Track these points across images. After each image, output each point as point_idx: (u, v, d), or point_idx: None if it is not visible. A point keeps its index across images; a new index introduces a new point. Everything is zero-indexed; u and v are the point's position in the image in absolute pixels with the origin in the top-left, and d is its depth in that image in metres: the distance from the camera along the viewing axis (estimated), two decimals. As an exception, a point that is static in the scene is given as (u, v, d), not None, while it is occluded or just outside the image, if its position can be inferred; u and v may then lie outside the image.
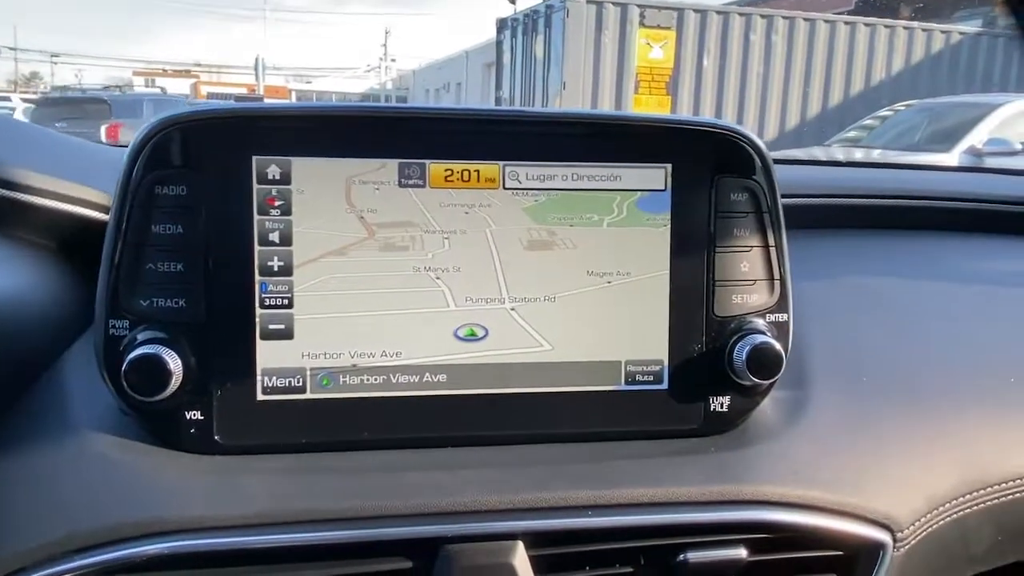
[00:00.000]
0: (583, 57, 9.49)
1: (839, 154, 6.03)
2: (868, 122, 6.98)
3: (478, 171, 0.59)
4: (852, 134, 6.87)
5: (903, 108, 6.89)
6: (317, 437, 0.59)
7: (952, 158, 5.40)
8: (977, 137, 5.71)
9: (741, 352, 0.60)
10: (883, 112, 7.05)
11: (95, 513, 0.52)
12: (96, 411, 0.59)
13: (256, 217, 0.57)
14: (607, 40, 9.53)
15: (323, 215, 0.58)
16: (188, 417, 0.57)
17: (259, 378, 0.58)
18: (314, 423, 0.58)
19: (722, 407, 0.63)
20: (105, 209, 0.74)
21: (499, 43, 11.50)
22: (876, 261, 0.88)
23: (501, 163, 0.59)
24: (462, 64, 20.82)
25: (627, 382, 0.62)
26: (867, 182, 1.02)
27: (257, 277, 0.57)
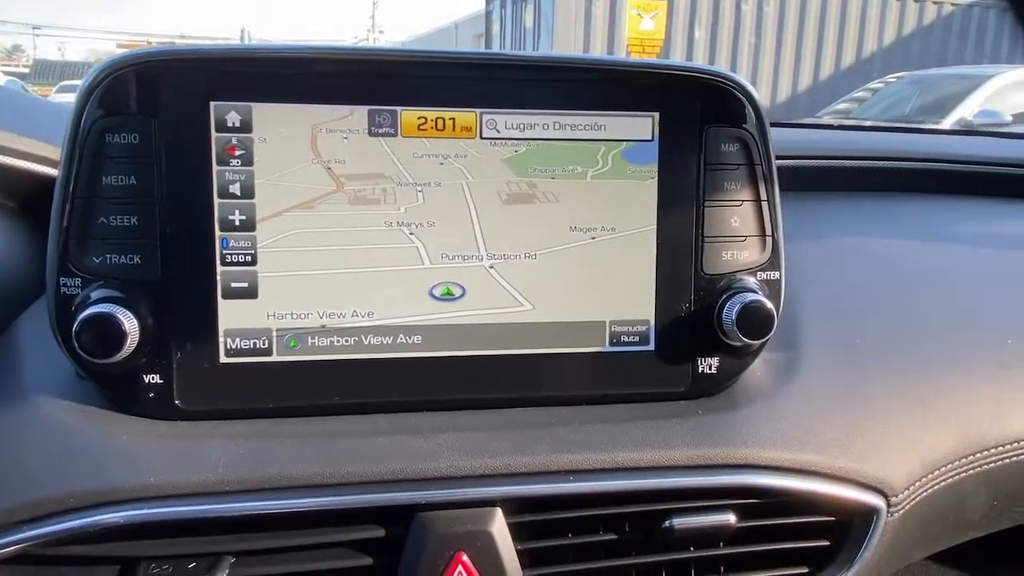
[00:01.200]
0: (573, 28, 9.37)
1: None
2: (859, 94, 6.92)
3: (453, 119, 0.56)
4: (843, 106, 6.82)
5: (894, 80, 6.84)
6: (284, 402, 0.56)
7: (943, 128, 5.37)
8: (968, 109, 5.67)
9: (731, 311, 0.57)
10: (874, 84, 6.99)
11: (48, 481, 0.49)
12: (52, 376, 0.56)
13: (215, 168, 0.53)
14: (597, 11, 9.41)
15: (287, 166, 0.54)
16: (146, 381, 0.54)
17: (221, 339, 0.54)
18: (280, 387, 0.55)
19: (710, 368, 0.60)
20: None
21: (488, 13, 11.35)
22: (869, 223, 0.85)
23: (478, 111, 0.56)
24: (451, 36, 20.56)
25: (612, 343, 0.59)
26: (859, 144, 0.99)
27: (217, 232, 0.54)
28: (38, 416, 0.53)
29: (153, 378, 0.54)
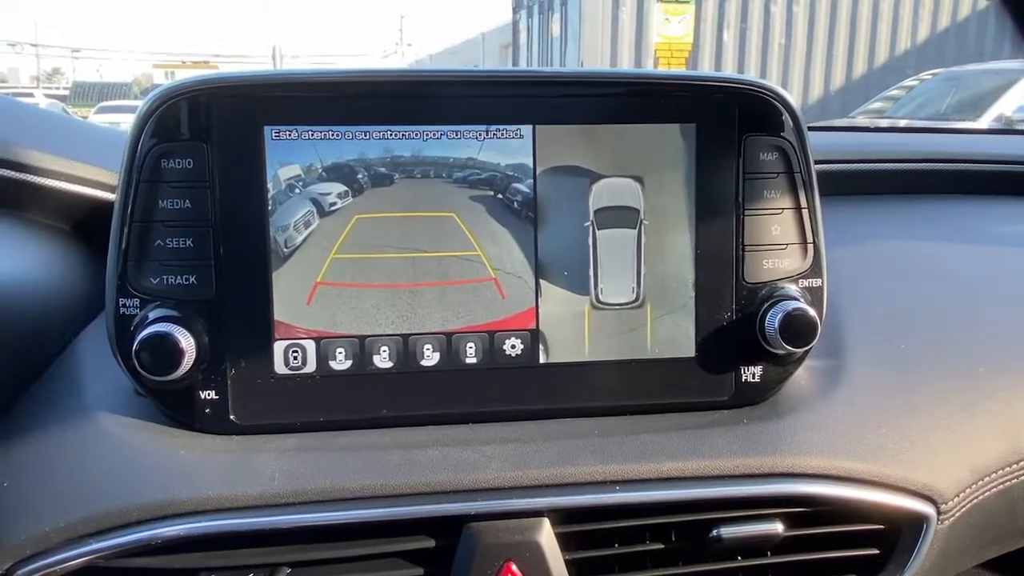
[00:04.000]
0: (600, 34, 9.38)
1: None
2: (893, 92, 6.81)
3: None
4: (876, 105, 6.72)
5: (929, 77, 6.71)
6: (335, 415, 0.57)
7: (980, 127, 5.26)
8: (1006, 105, 5.54)
9: (773, 319, 0.57)
10: (908, 82, 6.87)
11: (110, 495, 0.51)
12: (111, 393, 0.58)
13: (270, 192, 0.55)
14: (624, 16, 9.40)
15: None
16: (202, 397, 0.56)
17: (275, 356, 0.56)
18: (332, 401, 0.57)
19: (754, 377, 0.60)
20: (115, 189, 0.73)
21: (515, 23, 11.41)
22: (907, 227, 0.84)
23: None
24: (478, 46, 20.70)
25: (653, 351, 0.59)
26: (898, 146, 0.98)
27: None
28: (100, 432, 0.55)
29: (209, 394, 0.56)
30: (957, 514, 0.58)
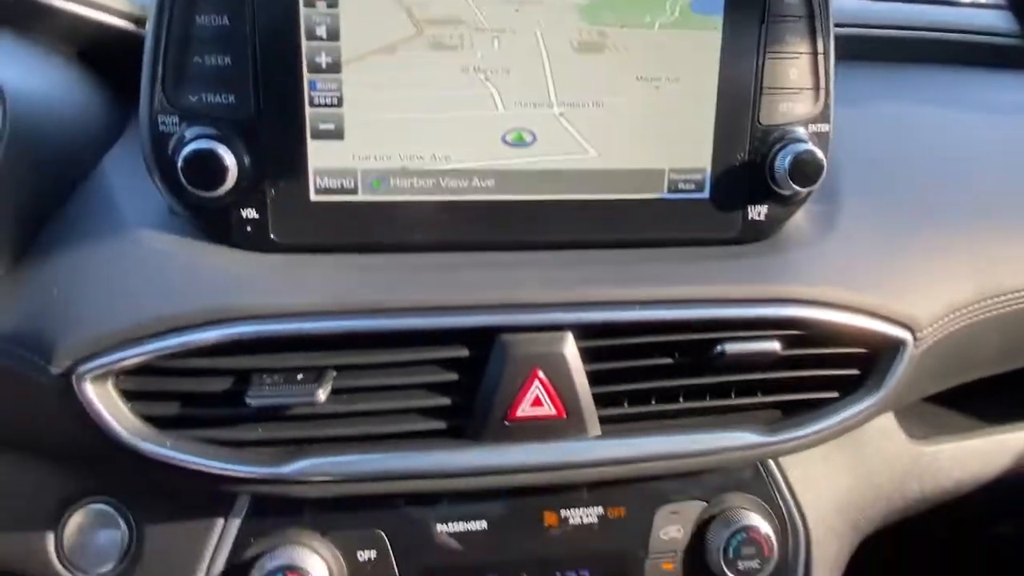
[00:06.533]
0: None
1: None
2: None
3: None
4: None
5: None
6: (370, 238, 0.60)
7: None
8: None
9: (784, 160, 0.61)
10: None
11: (163, 302, 0.54)
12: (145, 212, 0.60)
13: (303, 9, 0.55)
14: None
15: (371, 8, 0.56)
16: (243, 215, 0.58)
17: (311, 178, 0.58)
18: (366, 224, 0.59)
19: (760, 216, 0.64)
20: (125, 16, 0.71)
21: None
22: (907, 91, 0.88)
23: None
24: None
25: (670, 190, 0.63)
26: (900, 15, 1.00)
27: (305, 74, 0.56)
28: (142, 246, 0.57)
29: (250, 212, 0.58)
30: (930, 342, 0.65)
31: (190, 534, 0.60)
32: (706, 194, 0.63)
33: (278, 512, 0.60)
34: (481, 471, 0.58)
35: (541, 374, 0.57)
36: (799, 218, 0.67)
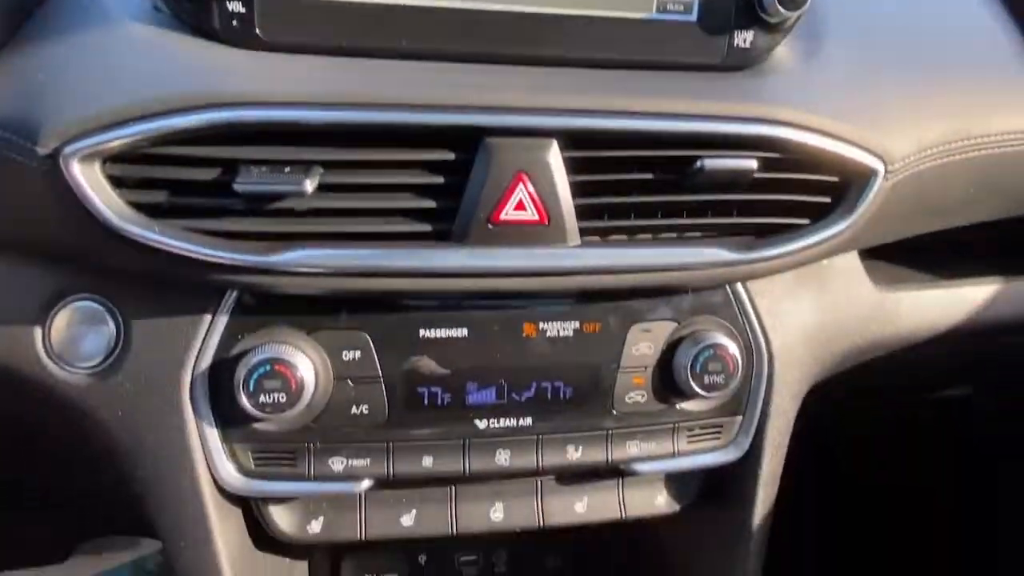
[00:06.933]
0: None
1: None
2: None
3: None
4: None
5: None
6: (356, 41, 0.59)
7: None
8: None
9: None
10: None
11: (146, 86, 0.54)
12: (130, 6, 0.59)
13: None
14: None
15: None
16: (230, 8, 0.57)
17: None
18: (354, 25, 0.59)
19: (745, 42, 0.65)
20: None
21: None
22: None
23: None
24: None
25: (658, 10, 0.63)
26: None
27: None
28: (130, 36, 0.57)
29: (236, 6, 0.57)
30: (900, 176, 0.67)
31: (178, 330, 0.61)
32: (694, 16, 0.64)
33: (264, 311, 0.62)
34: (465, 272, 0.59)
35: (526, 178, 0.58)
36: (782, 50, 0.68)
